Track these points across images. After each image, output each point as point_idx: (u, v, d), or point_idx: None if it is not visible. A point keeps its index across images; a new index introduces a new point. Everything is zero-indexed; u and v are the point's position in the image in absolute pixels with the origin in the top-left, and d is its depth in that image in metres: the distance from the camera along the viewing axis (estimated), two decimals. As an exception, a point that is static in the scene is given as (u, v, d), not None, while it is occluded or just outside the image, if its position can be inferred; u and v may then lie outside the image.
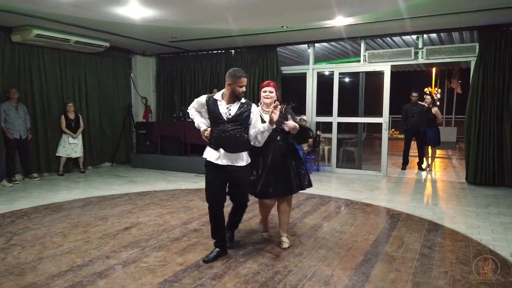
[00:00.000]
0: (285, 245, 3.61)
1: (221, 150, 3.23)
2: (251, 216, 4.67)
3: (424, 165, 8.27)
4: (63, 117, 7.58)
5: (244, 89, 3.25)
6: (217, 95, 3.33)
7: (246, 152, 3.32)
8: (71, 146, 7.64)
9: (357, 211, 5.00)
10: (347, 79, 10.62)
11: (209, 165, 3.30)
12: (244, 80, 3.24)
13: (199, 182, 6.89)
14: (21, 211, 4.90)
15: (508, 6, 5.39)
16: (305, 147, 7.81)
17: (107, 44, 7.84)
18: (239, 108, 3.26)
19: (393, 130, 16.85)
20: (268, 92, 3.47)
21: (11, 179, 6.67)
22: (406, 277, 3.02)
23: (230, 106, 3.26)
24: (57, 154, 7.57)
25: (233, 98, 3.25)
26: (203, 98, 3.39)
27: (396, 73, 12.05)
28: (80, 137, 7.80)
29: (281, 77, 8.39)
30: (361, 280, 2.98)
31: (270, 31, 7.13)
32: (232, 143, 3.22)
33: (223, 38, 7.74)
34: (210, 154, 3.29)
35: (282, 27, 6.79)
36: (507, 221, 4.52)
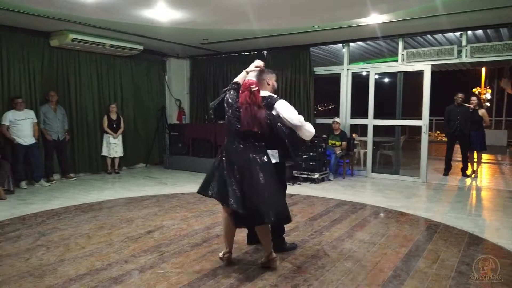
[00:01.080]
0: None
1: None
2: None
3: (469, 171, 7.70)
4: (105, 117, 7.84)
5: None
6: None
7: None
8: (112, 146, 7.88)
9: (390, 221, 4.70)
10: (384, 80, 10.19)
11: None
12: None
13: (228, 185, 6.81)
14: (53, 211, 5.04)
15: None
16: (338, 150, 7.53)
17: (141, 47, 7.97)
18: None
19: (438, 132, 16.04)
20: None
21: (49, 179, 6.93)
22: (438, 298, 2.75)
23: None
24: (102, 154, 7.90)
25: None
26: None
27: (440, 72, 11.42)
28: (120, 137, 8.02)
29: (314, 78, 8.16)
30: (387, 298, 2.74)
31: (302, 31, 6.94)
32: None
33: (255, 39, 7.63)
34: None
35: (313, 26, 6.58)
36: (561, 237, 4.05)
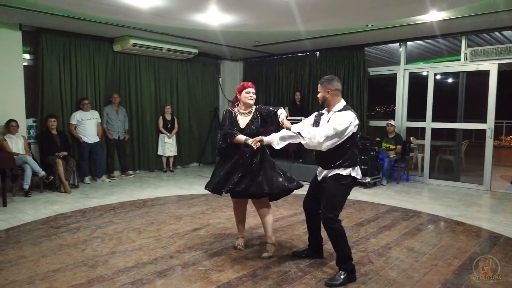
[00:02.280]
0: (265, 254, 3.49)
1: None
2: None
3: None
4: (161, 118, 8.26)
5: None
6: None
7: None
8: (166, 146, 8.27)
9: (444, 230, 4.42)
10: (444, 80, 9.58)
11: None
12: None
13: (276, 187, 6.82)
14: (110, 205, 5.39)
15: None
16: (391, 154, 7.23)
17: (196, 51, 8.26)
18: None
19: (510, 137, 14.77)
20: (252, 94, 3.55)
21: (110, 176, 7.43)
22: (490, 317, 2.54)
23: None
24: (157, 153, 8.33)
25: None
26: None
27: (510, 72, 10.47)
28: (174, 137, 8.39)
29: (369, 79, 7.91)
30: (433, 313, 2.59)
31: (356, 31, 6.75)
32: None
33: (307, 40, 7.57)
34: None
35: (367, 25, 6.37)
36: None
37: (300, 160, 7.59)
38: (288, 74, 9.08)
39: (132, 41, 7.10)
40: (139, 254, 3.56)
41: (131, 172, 7.87)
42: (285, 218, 4.82)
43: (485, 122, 6.70)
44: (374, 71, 8.04)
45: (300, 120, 7.92)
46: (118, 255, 3.54)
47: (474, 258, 3.55)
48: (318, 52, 8.57)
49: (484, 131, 6.77)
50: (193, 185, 6.91)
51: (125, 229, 4.32)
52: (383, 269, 3.28)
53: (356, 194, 6.31)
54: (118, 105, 7.53)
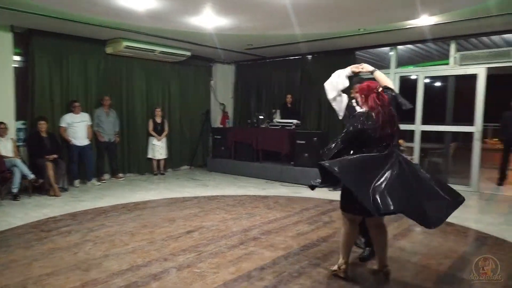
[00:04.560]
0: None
1: None
2: (314, 228, 4.48)
3: None
4: (151, 121, 8.21)
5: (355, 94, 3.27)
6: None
7: None
8: (156, 148, 8.23)
9: (435, 231, 4.44)
10: (433, 84, 9.74)
11: None
12: (352, 89, 3.33)
13: (268, 189, 6.85)
14: (101, 208, 5.34)
15: None
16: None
17: (189, 53, 8.25)
18: None
19: (495, 140, 15.03)
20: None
21: (100, 178, 7.36)
22: (482, 315, 2.59)
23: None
24: (147, 156, 8.27)
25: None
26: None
27: (500, 76, 10.68)
28: (164, 140, 8.35)
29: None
30: (426, 312, 2.63)
31: (347, 35, 6.83)
32: None
33: (299, 44, 7.62)
34: None
35: (359, 29, 6.46)
36: None
37: (292, 163, 7.63)
38: (280, 77, 9.13)
39: (125, 43, 7.07)
40: (133, 257, 3.53)
41: (121, 175, 7.81)
42: (278, 220, 4.84)
43: (473, 125, 6.82)
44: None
45: (291, 123, 8.03)
46: (111, 258, 3.51)
47: (464, 257, 3.62)
48: (310, 56, 8.64)
49: (471, 134, 6.89)
50: (184, 187, 6.89)
51: (118, 232, 4.29)
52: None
53: (347, 196, 6.36)
54: (109, 107, 7.47)
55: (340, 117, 3.38)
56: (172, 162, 8.89)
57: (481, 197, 6.44)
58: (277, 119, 8.21)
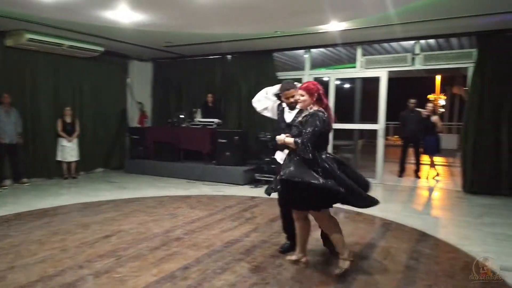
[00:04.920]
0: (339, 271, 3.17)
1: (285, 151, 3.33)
2: (237, 225, 4.57)
3: (432, 175, 8.04)
4: (60, 120, 7.58)
5: (291, 100, 3.40)
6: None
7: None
8: (66, 150, 7.62)
9: (346, 220, 4.86)
10: (343, 85, 10.52)
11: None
12: (287, 93, 3.40)
13: (190, 189, 6.79)
14: (3, 217, 4.80)
15: (510, 11, 5.25)
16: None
17: (101, 49, 7.80)
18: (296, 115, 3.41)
19: (396, 137, 16.67)
20: (299, 95, 3.21)
21: (0, 185, 6.61)
22: (387, 292, 2.89)
23: (291, 112, 3.49)
24: (56, 159, 7.62)
25: (292, 108, 3.48)
26: (276, 101, 3.65)
27: (400, 79, 11.90)
28: (75, 141, 7.77)
29: (277, 83, 8.28)
30: (340, 294, 2.85)
31: (265, 36, 7.05)
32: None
33: (218, 43, 7.67)
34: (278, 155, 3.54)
35: (275, 32, 6.71)
36: (500, 232, 4.36)
37: (214, 162, 7.65)
38: (200, 76, 9.08)
39: (28, 35, 6.43)
40: (43, 267, 3.26)
41: (25, 180, 7.08)
42: (201, 219, 4.84)
43: (377, 123, 7.52)
44: (282, 75, 8.46)
45: (213, 122, 8.04)
46: (17, 270, 3.19)
47: (372, 243, 3.99)
48: (230, 56, 8.74)
49: (376, 131, 7.59)
50: (100, 191, 6.50)
51: (24, 241, 3.91)
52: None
53: (268, 192, 6.58)
54: (8, 106, 6.73)
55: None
56: (85, 165, 8.32)
57: (385, 188, 7.13)
58: (198, 118, 8.16)
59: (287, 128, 3.38)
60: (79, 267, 3.28)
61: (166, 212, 5.15)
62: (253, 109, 3.76)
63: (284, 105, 3.58)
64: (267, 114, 3.70)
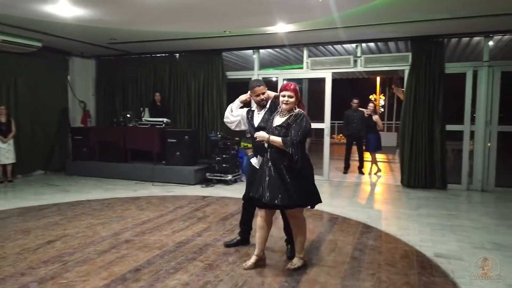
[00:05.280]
0: (291, 266, 3.28)
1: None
2: (189, 225, 4.55)
3: (374, 171, 8.52)
4: None
5: (261, 97, 3.42)
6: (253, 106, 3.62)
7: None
8: (2, 152, 7.10)
9: (296, 216, 5.01)
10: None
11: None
12: (258, 90, 3.41)
13: (139, 190, 6.62)
14: None
15: (439, 18, 5.71)
16: (249, 152, 7.77)
17: (39, 44, 7.34)
18: (264, 114, 3.43)
19: (340, 135, 17.38)
20: (287, 97, 3.11)
21: None
22: (335, 281, 3.05)
23: (260, 113, 3.49)
24: None
25: (262, 106, 3.48)
26: (244, 111, 3.62)
27: (343, 80, 12.45)
28: (11, 142, 7.25)
29: (227, 82, 8.33)
30: (292, 286, 2.97)
31: (214, 36, 7.06)
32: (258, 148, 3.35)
33: (166, 41, 7.55)
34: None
35: (224, 31, 6.74)
36: (434, 222, 4.75)
37: (163, 162, 7.52)
38: (147, 74, 8.86)
39: (-47, 27, 5.92)
40: (-21, 277, 3.04)
41: (-46, 185, 6.52)
42: (152, 220, 4.75)
43: (323, 122, 7.83)
44: (232, 75, 8.52)
45: (162, 122, 7.89)
46: (-51, 281, 2.95)
47: (320, 237, 4.18)
48: (177, 54, 8.62)
49: (322, 130, 7.90)
50: (40, 194, 6.13)
51: (-45, 251, 3.61)
52: (247, 256, 3.55)
53: (219, 191, 6.61)
54: None
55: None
56: (22, 167, 7.80)
57: (331, 184, 7.44)
58: (146, 117, 7.97)
59: (256, 131, 3.29)
60: (21, 274, 3.10)
61: (114, 215, 4.99)
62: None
63: (254, 108, 3.58)
64: (243, 127, 3.66)
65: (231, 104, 3.69)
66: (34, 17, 5.69)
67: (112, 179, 7.57)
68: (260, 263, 3.32)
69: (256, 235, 3.31)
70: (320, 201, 3.29)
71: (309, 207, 3.30)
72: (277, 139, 3.04)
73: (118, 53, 8.86)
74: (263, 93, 3.42)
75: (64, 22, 5.91)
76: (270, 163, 3.11)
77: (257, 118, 3.49)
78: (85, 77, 9.31)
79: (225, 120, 3.71)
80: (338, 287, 2.95)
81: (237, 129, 3.72)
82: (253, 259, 3.30)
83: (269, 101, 3.46)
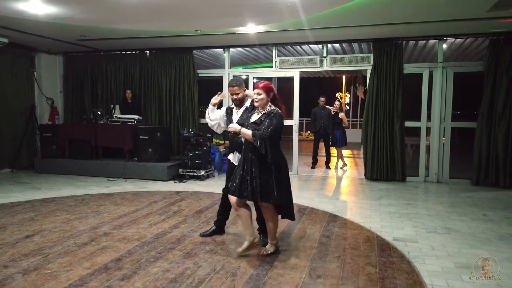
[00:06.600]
0: (264, 252, 3.54)
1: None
2: (165, 218, 4.72)
3: (340, 165, 8.96)
4: None
5: (234, 97, 3.59)
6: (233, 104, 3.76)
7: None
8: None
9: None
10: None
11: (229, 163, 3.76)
12: (231, 90, 3.58)
13: (112, 186, 6.69)
14: None
15: (398, 22, 6.16)
16: (221, 149, 8.00)
17: (6, 41, 7.21)
18: (243, 112, 3.60)
19: (308, 132, 17.89)
20: (256, 94, 3.32)
21: None
22: (304, 263, 3.35)
23: (238, 111, 3.66)
24: None
25: (237, 105, 3.66)
26: (222, 111, 3.79)
27: (311, 78, 12.88)
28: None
29: (198, 80, 8.49)
30: (265, 269, 3.23)
31: (185, 34, 7.20)
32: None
33: (137, 39, 7.61)
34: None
35: (196, 31, 6.90)
36: (394, 211, 5.18)
37: (136, 159, 7.59)
38: (117, 71, 8.85)
39: None
40: (-39, 271, 3.10)
41: None
42: (128, 214, 4.88)
43: (292, 119, 8.16)
44: (203, 73, 8.68)
45: (133, 119, 7.93)
46: None
47: (291, 226, 4.46)
48: (148, 51, 8.67)
49: (290, 127, 8.23)
50: (10, 192, 6.07)
51: None
52: (223, 244, 3.81)
53: (192, 186, 6.79)
54: None
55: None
56: (-12, 166, 7.64)
57: (300, 178, 7.79)
58: (117, 114, 7.99)
59: None
60: (4, 266, 3.19)
61: (90, 210, 5.08)
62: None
63: (232, 106, 3.74)
64: (223, 127, 3.82)
65: (207, 109, 3.81)
66: (5, 15, 5.63)
67: (83, 176, 7.56)
68: (253, 247, 3.56)
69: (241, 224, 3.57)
70: (293, 219, 3.63)
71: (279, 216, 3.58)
72: (247, 132, 3.25)
73: (87, 50, 8.80)
74: (237, 94, 3.59)
75: (33, 19, 5.87)
76: (244, 158, 3.36)
77: (236, 115, 3.67)
78: (52, 73, 9.18)
79: (209, 124, 3.87)
80: (308, 269, 3.24)
81: (219, 131, 3.92)
82: (245, 244, 3.52)
83: (250, 100, 3.65)
